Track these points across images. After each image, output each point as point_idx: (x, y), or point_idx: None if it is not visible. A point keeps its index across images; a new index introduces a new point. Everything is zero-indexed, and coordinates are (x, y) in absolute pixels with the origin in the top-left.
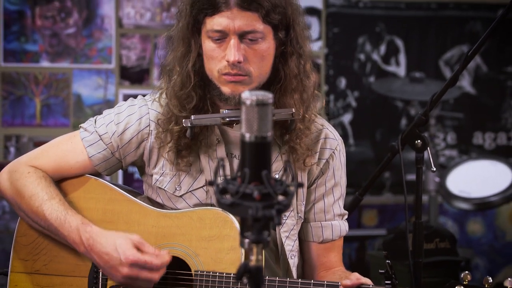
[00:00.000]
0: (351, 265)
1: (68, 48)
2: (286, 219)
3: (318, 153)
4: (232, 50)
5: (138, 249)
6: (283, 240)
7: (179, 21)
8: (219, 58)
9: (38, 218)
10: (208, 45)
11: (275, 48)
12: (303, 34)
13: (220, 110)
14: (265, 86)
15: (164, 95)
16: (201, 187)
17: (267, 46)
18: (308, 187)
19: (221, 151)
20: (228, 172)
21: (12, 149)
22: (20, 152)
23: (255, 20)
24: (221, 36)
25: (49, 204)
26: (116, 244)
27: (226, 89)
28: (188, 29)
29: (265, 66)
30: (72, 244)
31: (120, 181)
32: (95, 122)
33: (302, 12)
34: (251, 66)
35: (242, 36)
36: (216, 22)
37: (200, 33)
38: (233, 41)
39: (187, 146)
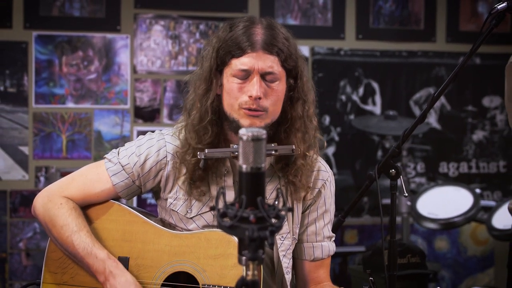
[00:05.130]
0: (334, 277)
1: (90, 91)
2: (283, 240)
3: (312, 183)
4: (255, 86)
5: None
6: (281, 258)
7: (202, 64)
8: (240, 94)
9: (67, 246)
10: (231, 83)
11: (285, 91)
12: (308, 84)
13: (230, 145)
14: (274, 125)
15: (183, 131)
16: (209, 210)
17: (282, 87)
18: (302, 213)
19: (229, 181)
20: (232, 198)
21: (42, 179)
22: (49, 181)
23: (275, 63)
24: (245, 75)
25: (77, 236)
26: None
27: (245, 122)
28: (211, 70)
29: (278, 105)
30: (94, 272)
31: (135, 205)
32: (118, 154)
33: (306, 66)
34: (268, 103)
35: (263, 75)
36: (243, 62)
37: (222, 74)
38: (256, 79)
39: (201, 177)
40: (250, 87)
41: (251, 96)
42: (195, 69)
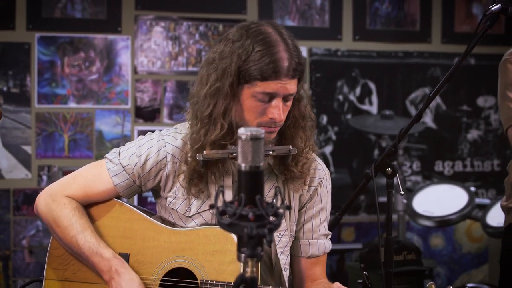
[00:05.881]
0: (332, 274)
1: (92, 92)
2: (281, 237)
3: (308, 181)
4: (279, 111)
5: None
6: (278, 254)
7: (222, 78)
8: (260, 114)
9: (72, 245)
10: (253, 102)
11: None
12: (305, 84)
13: (228, 146)
14: None
15: (188, 132)
16: (208, 209)
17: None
18: (299, 210)
19: (228, 181)
20: (231, 197)
21: (44, 177)
22: (51, 179)
23: (295, 84)
24: (268, 98)
25: (82, 236)
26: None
27: None
28: (233, 87)
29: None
30: (98, 271)
31: (135, 203)
32: (119, 154)
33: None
34: (284, 118)
35: (284, 97)
36: (268, 87)
37: (239, 87)
38: (279, 102)
39: (200, 175)
40: (273, 110)
41: (272, 118)
42: (209, 78)
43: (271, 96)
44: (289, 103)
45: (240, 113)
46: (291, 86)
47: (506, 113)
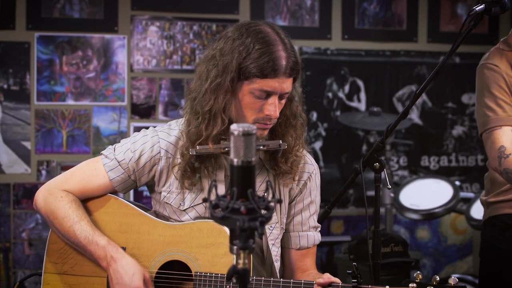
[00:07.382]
0: (321, 266)
1: (89, 89)
2: (272, 230)
3: (298, 177)
4: (275, 108)
5: (145, 283)
6: (270, 246)
7: (222, 74)
8: (257, 110)
9: (69, 236)
10: (250, 98)
11: None
12: (298, 84)
13: (221, 141)
14: None
15: (184, 127)
16: (201, 203)
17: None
18: (289, 203)
19: (220, 175)
20: (224, 191)
21: (43, 172)
22: (50, 174)
23: (291, 83)
24: (265, 95)
25: (78, 225)
26: (132, 271)
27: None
28: (233, 82)
29: None
30: (96, 259)
31: (131, 198)
32: (114, 150)
33: None
34: (278, 114)
35: (280, 96)
36: (266, 84)
37: (238, 82)
38: (275, 100)
39: (193, 169)
40: (269, 107)
41: (268, 115)
42: (210, 74)
43: (268, 94)
44: (283, 101)
45: (238, 109)
46: (287, 84)
47: (481, 118)
